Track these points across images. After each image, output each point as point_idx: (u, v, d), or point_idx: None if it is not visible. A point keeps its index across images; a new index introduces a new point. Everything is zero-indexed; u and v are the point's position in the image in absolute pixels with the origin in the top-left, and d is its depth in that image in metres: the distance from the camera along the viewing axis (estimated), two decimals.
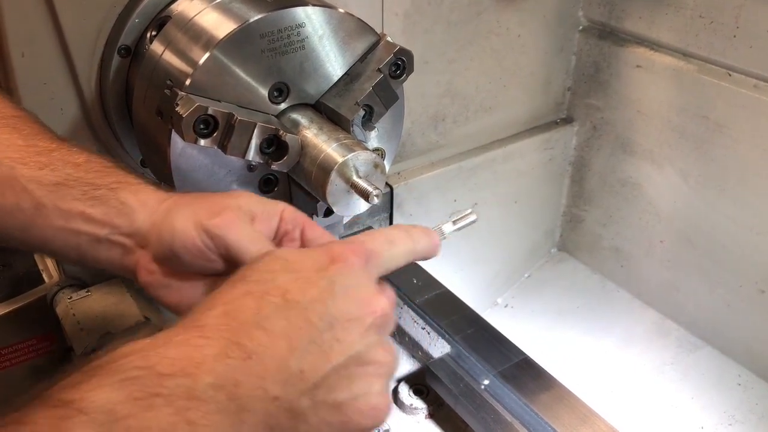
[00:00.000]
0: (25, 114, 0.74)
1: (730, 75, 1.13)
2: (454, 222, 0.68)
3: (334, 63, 0.81)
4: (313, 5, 0.77)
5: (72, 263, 0.69)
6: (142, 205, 0.67)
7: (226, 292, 0.52)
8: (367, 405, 0.51)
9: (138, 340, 0.48)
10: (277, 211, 0.66)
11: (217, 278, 0.65)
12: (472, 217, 0.68)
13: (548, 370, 0.90)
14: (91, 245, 0.67)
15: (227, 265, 0.63)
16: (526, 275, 1.54)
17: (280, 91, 0.79)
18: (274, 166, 0.77)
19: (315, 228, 0.67)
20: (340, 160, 0.74)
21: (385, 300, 0.54)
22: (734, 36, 1.10)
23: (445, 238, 0.67)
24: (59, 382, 0.45)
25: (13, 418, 0.41)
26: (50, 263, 1.06)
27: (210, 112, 0.71)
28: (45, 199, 0.66)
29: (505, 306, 1.48)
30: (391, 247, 0.59)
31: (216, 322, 0.49)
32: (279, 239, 0.66)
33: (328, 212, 0.83)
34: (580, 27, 1.34)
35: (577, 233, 1.53)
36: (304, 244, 0.66)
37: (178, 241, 0.63)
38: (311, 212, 0.83)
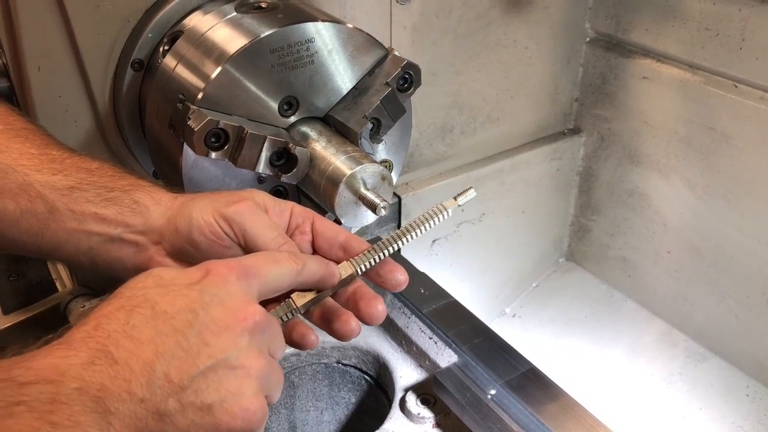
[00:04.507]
0: (36, 126, 0.76)
1: (736, 86, 1.14)
2: (455, 198, 0.69)
3: (342, 77, 0.82)
4: (323, 20, 0.79)
5: (83, 267, 0.71)
6: (156, 203, 0.68)
7: (99, 309, 0.53)
8: (237, 407, 0.52)
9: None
10: (288, 206, 0.69)
11: None
12: (472, 193, 0.69)
13: (555, 380, 0.90)
14: (102, 246, 0.68)
15: (242, 254, 0.65)
16: (533, 285, 1.54)
17: (289, 105, 0.81)
18: (284, 178, 0.78)
19: (324, 220, 0.69)
20: (348, 172, 0.75)
21: (257, 310, 0.55)
22: (740, 48, 1.11)
23: (449, 214, 0.68)
24: None
25: None
26: (63, 272, 1.08)
27: (221, 125, 0.73)
28: (58, 202, 0.67)
29: (513, 315, 1.49)
30: (275, 265, 0.60)
31: (83, 336, 0.50)
32: (291, 232, 0.68)
33: (336, 223, 0.84)
34: (587, 39, 1.35)
35: (584, 243, 1.53)
36: (314, 235, 0.68)
37: (196, 228, 0.64)
38: None
